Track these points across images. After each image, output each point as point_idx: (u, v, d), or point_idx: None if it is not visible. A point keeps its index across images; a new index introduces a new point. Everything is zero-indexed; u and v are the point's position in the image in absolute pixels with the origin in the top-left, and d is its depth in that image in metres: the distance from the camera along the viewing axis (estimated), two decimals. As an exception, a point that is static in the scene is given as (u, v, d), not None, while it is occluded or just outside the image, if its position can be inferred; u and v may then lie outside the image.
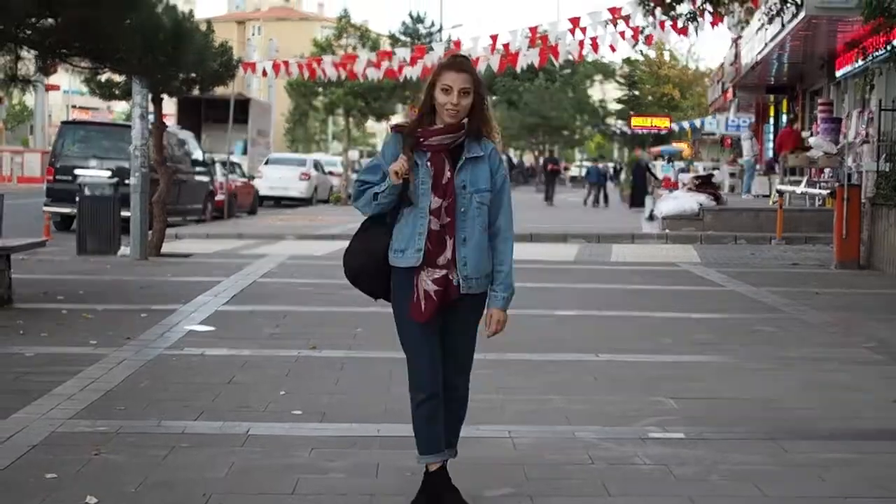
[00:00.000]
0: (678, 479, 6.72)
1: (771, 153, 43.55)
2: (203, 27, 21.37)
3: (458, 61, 5.90)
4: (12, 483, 6.48)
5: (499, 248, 5.98)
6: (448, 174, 5.87)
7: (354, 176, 57.27)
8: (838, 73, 33.68)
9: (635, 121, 79.47)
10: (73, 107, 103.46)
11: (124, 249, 21.03)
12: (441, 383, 5.98)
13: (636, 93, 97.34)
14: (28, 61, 14.70)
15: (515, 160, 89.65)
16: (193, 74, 20.70)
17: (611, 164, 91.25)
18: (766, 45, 33.23)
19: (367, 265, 6.03)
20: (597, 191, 49.69)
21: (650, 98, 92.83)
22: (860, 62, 28.44)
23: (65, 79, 67.51)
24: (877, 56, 22.93)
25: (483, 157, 5.93)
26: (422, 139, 5.89)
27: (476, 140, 5.93)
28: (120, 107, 71.58)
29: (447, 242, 5.86)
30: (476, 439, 7.50)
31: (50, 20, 13.94)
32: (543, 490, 6.46)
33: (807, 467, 6.98)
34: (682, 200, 30.64)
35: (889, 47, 20.68)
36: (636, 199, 44.78)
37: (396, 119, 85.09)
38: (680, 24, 23.69)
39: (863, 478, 6.77)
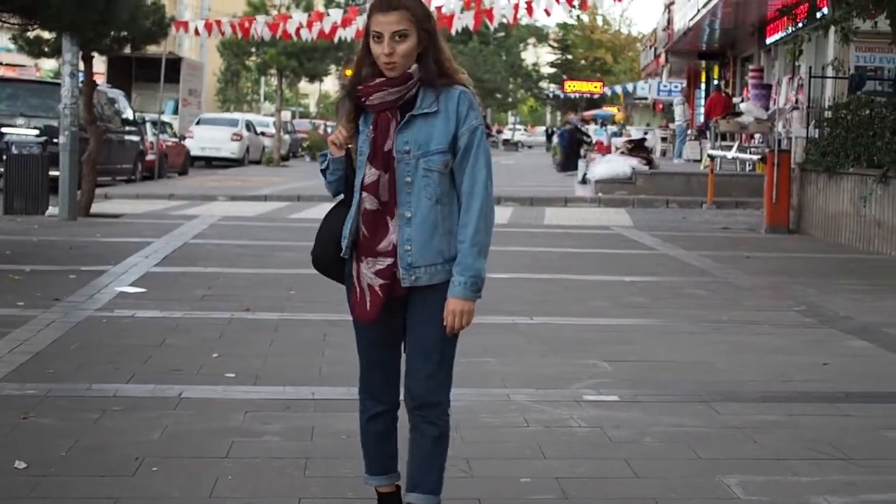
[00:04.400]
0: (613, 442, 6.73)
1: (702, 118, 43.79)
2: (135, -15, 21.14)
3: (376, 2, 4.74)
4: (-60, 446, 6.40)
5: (460, 220, 4.74)
6: (393, 139, 4.74)
7: (287, 137, 56.89)
8: (769, 40, 33.88)
9: (569, 84, 79.64)
10: (0, 64, 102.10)
11: (52, 209, 20.82)
12: (400, 394, 4.99)
13: (569, 57, 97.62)
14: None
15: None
16: (125, 33, 20.50)
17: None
18: (698, 11, 33.43)
19: (325, 253, 4.92)
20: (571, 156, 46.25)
21: (583, 62, 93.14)
22: (791, 29, 28.60)
23: (-8, 36, 66.53)
24: (810, 22, 23.06)
25: (437, 112, 4.71)
26: (363, 98, 4.75)
27: (433, 90, 4.73)
28: (48, 65, 70.67)
29: (389, 224, 4.73)
30: (410, 402, 7.49)
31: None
32: (480, 453, 6.45)
33: (740, 429, 7.02)
34: (615, 164, 30.75)
35: (819, 15, 20.83)
36: (567, 163, 44.77)
37: (330, 81, 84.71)
38: (614, -11, 23.75)
39: (795, 440, 6.82)
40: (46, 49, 21.76)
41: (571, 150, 44.29)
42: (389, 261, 4.72)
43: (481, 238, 4.70)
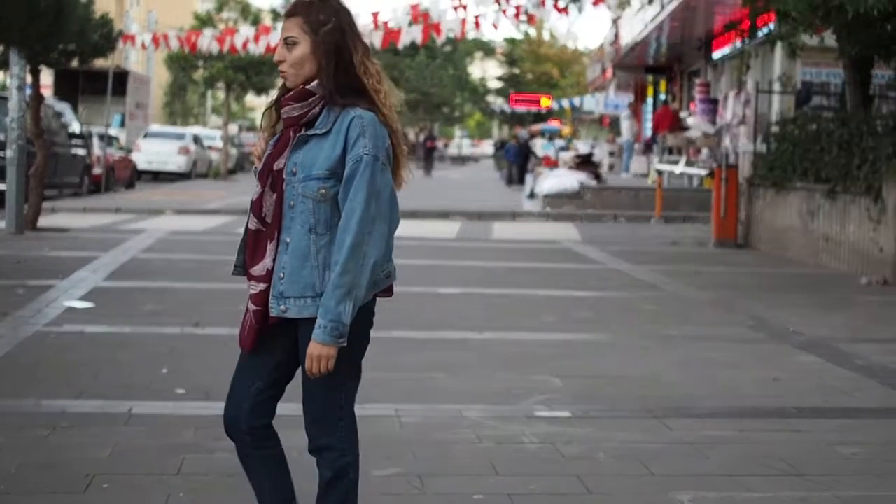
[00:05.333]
0: (566, 458, 6.73)
1: (649, 133, 43.96)
2: (84, -1, 21.06)
3: (291, 4, 4.50)
4: None
5: (333, 256, 4.32)
6: (286, 158, 4.44)
7: (234, 150, 56.69)
8: (715, 55, 34.09)
9: (517, 99, 79.84)
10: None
11: (-1, 223, 20.67)
12: (252, 420, 4.59)
13: (516, 71, 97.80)
14: None
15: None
16: (73, 46, 20.39)
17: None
18: (645, 25, 33.59)
19: (237, 268, 4.67)
20: (517, 170, 46.46)
21: (530, 76, 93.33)
22: (738, 44, 28.78)
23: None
24: (753, 38, 23.21)
25: (328, 135, 4.36)
26: (282, 110, 4.51)
27: (334, 109, 4.39)
28: (-7, 77, 70.23)
29: (267, 248, 4.43)
30: (362, 418, 7.40)
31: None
32: (432, 469, 6.44)
33: (691, 445, 7.04)
34: (563, 179, 30.87)
35: (766, 30, 20.97)
36: (514, 177, 44.94)
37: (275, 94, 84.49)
38: (561, 4, 23.82)
39: (747, 455, 6.84)
40: (-6, 62, 21.66)
41: (519, 164, 44.41)
42: (262, 286, 4.42)
43: (348, 279, 4.25)
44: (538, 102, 78.95)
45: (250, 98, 74.89)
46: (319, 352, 4.28)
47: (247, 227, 4.50)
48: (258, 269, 4.44)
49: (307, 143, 4.38)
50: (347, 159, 4.30)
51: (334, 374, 4.38)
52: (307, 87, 4.40)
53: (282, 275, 4.38)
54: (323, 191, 4.33)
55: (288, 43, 4.39)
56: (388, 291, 4.62)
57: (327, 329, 4.25)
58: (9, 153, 20.41)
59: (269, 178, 4.43)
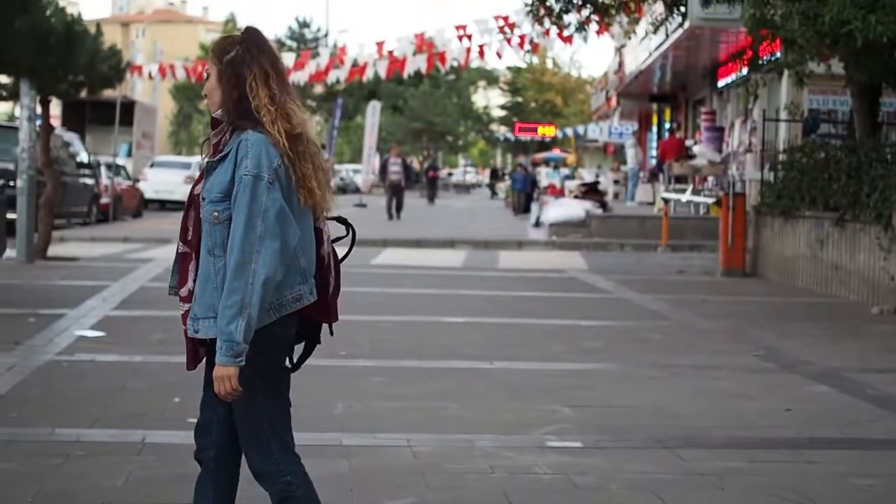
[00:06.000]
0: (579, 489, 6.75)
1: (654, 161, 44.03)
2: (92, 30, 21.13)
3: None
4: None
5: None
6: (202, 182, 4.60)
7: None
8: (721, 83, 34.15)
9: (521, 127, 79.92)
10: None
11: (9, 252, 20.68)
12: (218, 446, 4.74)
13: (519, 99, 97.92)
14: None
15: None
16: (82, 77, 20.47)
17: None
18: (650, 54, 33.63)
19: None
20: (525, 199, 44.56)
21: (533, 105, 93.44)
22: (744, 71, 28.82)
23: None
24: (760, 66, 23.24)
25: (224, 159, 4.51)
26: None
27: (235, 134, 4.55)
28: (0, 108, 70.45)
29: (189, 269, 4.58)
30: (374, 447, 7.52)
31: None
32: (445, 500, 6.46)
33: (704, 475, 7.06)
34: (569, 207, 30.89)
35: (772, 58, 20.98)
36: (521, 206, 44.84)
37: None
38: (566, 33, 23.84)
39: (760, 486, 6.86)
40: (4, 93, 21.74)
41: (526, 192, 44.18)
42: (186, 307, 4.56)
43: (236, 299, 4.31)
44: (541, 131, 79.00)
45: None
46: (220, 372, 4.37)
47: (176, 249, 4.64)
48: (183, 291, 4.58)
49: (214, 170, 4.51)
50: (236, 179, 4.41)
51: (249, 395, 4.46)
52: (214, 114, 4.63)
53: (196, 296, 4.50)
54: (216, 213, 4.44)
55: (206, 76, 4.61)
56: (326, 315, 4.71)
57: (223, 349, 4.34)
58: (19, 183, 20.48)
59: (190, 203, 4.59)
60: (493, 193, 69.01)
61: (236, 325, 4.32)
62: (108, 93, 31.02)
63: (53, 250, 21.59)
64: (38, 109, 20.68)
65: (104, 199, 33.80)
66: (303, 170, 4.52)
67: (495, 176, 74.63)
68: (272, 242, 4.36)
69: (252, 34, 4.64)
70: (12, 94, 21.30)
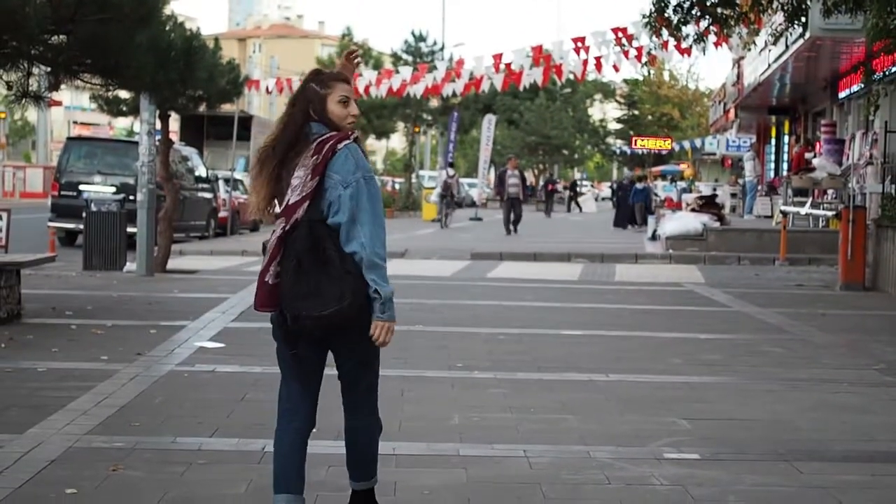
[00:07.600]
0: (696, 500, 6.72)
1: (772, 174, 43.60)
2: (211, 45, 21.43)
3: (340, 74, 6.07)
4: (33, 498, 6.51)
5: None
6: None
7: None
8: (841, 95, 33.75)
9: (639, 141, 79.56)
10: (75, 122, 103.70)
11: (130, 265, 21.06)
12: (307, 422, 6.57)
13: (636, 112, 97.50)
14: (38, 77, 14.68)
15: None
16: (201, 91, 20.76)
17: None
18: (769, 65, 33.30)
19: None
20: (640, 212, 43.83)
21: (650, 117, 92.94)
22: (862, 84, 28.49)
23: (66, 95, 67.60)
24: (883, 77, 22.96)
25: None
26: None
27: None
28: (121, 123, 71.54)
29: None
30: (491, 458, 7.55)
31: (62, 37, 13.95)
32: (563, 510, 6.48)
33: (823, 489, 6.99)
34: (686, 220, 30.66)
35: (893, 69, 20.75)
36: (620, 219, 44.66)
37: (397, 138, 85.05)
38: (684, 45, 23.74)
39: (880, 500, 6.79)
40: (125, 108, 22.15)
41: (645, 205, 43.80)
42: None
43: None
44: (657, 145, 78.61)
45: (370, 141, 75.54)
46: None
47: None
48: None
49: None
50: None
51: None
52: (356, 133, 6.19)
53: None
54: None
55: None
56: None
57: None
58: (139, 197, 20.84)
59: None
60: (569, 209, 68.23)
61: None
62: (225, 107, 31.43)
63: (173, 263, 21.93)
64: (158, 124, 21.04)
65: (222, 213, 34.24)
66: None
67: (574, 189, 73.78)
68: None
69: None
70: (132, 109, 21.68)
